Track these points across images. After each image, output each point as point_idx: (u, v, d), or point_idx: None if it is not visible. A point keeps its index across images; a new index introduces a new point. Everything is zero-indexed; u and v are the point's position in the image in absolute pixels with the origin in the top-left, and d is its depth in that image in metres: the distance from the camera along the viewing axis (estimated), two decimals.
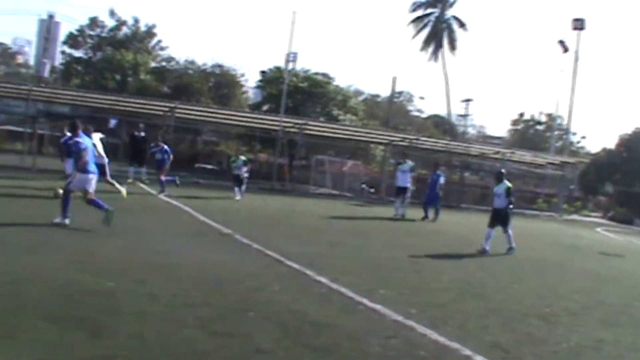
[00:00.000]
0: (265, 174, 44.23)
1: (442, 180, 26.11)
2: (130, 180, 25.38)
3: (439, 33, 72.98)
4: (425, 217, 25.19)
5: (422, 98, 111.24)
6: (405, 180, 25.33)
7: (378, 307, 8.52)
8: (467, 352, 6.94)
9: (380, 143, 49.34)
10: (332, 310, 8.17)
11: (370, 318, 8.02)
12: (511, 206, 16.95)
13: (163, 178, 23.19)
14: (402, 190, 25.25)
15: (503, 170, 17.94)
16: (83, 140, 13.86)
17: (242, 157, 27.02)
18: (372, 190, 41.91)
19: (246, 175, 26.55)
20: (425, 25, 74.08)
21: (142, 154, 26.89)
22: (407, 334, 7.39)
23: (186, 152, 54.46)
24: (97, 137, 17.53)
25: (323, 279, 9.95)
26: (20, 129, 53.71)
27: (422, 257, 14.34)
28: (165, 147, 24.28)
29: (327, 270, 10.77)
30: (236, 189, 26.04)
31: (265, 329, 6.97)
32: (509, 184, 16.98)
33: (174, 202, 20.59)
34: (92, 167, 13.83)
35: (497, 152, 47.33)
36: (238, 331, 6.80)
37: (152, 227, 14.58)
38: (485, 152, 48.55)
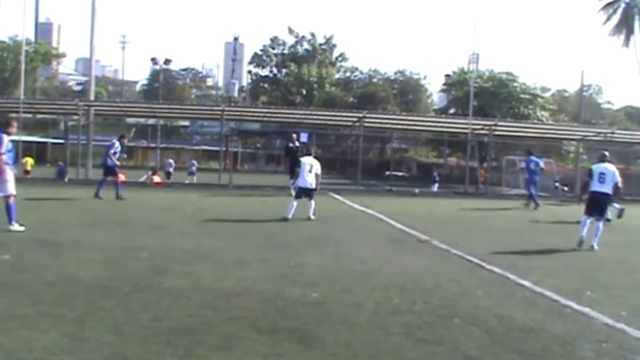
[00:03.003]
0: (456, 178, 43.93)
1: (531, 165, 27.00)
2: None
3: (629, 18, 69.78)
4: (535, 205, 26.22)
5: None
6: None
7: (586, 310, 8.26)
8: None
9: (573, 139, 47.84)
10: (539, 314, 8.00)
11: (578, 321, 7.78)
12: None
13: None
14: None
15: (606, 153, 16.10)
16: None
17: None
18: (566, 188, 40.68)
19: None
20: (614, 11, 71.05)
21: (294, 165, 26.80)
22: (620, 338, 7.11)
23: (376, 160, 54.96)
24: None
25: (526, 283, 9.78)
26: (214, 148, 56.02)
27: (630, 256, 13.81)
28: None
29: (530, 272, 10.59)
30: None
31: (471, 335, 6.92)
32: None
33: (369, 211, 20.81)
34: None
35: None
36: (444, 338, 6.79)
37: (350, 237, 14.82)
38: None
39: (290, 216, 17.84)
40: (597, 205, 15.09)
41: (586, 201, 15.64)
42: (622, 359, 6.42)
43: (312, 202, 18.54)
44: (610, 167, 15.27)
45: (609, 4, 71.47)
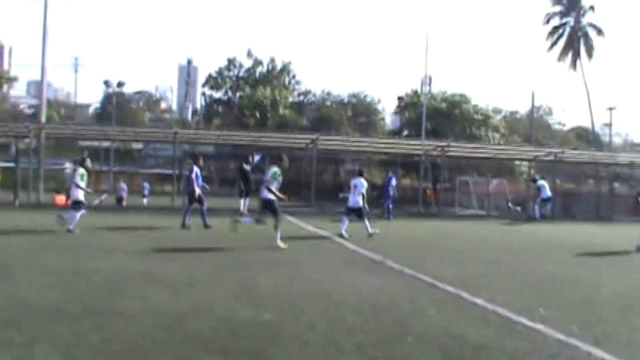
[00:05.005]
0: (411, 199, 44.15)
1: (393, 181, 30.73)
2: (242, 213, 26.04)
3: (575, 42, 71.12)
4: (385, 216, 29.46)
5: (562, 110, 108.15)
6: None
7: (538, 326, 8.33)
8: None
9: (525, 159, 48.45)
10: (491, 331, 8.04)
11: (531, 337, 7.84)
12: None
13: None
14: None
15: None
16: None
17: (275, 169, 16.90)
18: (519, 207, 41.08)
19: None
20: (560, 36, 72.41)
21: (248, 186, 27.58)
22: (571, 353, 7.19)
23: (330, 182, 54.99)
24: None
25: (479, 300, 9.83)
26: (168, 171, 55.71)
27: (580, 271, 14.02)
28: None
29: (482, 291, 10.64)
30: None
31: (425, 354, 6.94)
32: None
33: (322, 232, 20.81)
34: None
35: None
36: (397, 356, 6.80)
37: (304, 258, 14.82)
38: (634, 161, 46.74)
39: (342, 231, 19.53)
40: None
41: None
42: None
43: (365, 220, 19.93)
44: None
45: (554, 29, 72.82)
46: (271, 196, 16.43)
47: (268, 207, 16.60)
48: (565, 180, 49.43)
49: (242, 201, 27.12)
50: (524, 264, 15.21)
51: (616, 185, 49.62)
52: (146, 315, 8.16)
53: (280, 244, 16.01)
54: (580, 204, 45.47)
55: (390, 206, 30.12)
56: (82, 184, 19.15)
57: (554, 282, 12.39)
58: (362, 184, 20.37)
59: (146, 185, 46.32)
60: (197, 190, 21.38)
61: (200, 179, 21.74)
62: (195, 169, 21.78)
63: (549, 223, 31.34)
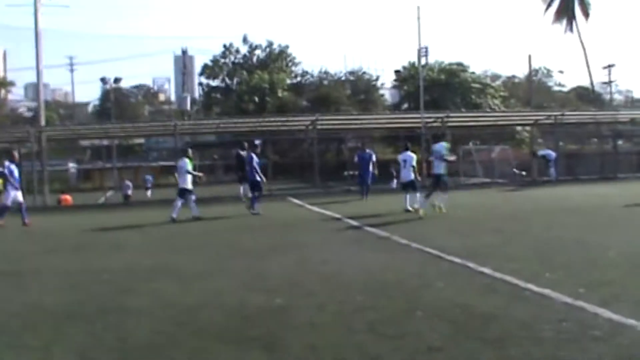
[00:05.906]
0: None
1: (374, 158, 28.26)
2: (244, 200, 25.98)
3: (570, 2, 70.42)
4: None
5: (561, 72, 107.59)
6: None
7: (545, 291, 8.36)
8: None
9: (526, 124, 48.39)
10: (499, 300, 8.09)
11: (538, 303, 7.87)
12: None
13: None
14: None
15: None
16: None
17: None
18: (524, 173, 41.08)
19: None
20: None
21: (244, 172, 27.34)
22: (579, 315, 7.21)
23: (333, 162, 54.93)
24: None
25: (486, 270, 9.87)
26: (171, 163, 55.75)
27: (587, 235, 14.00)
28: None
29: (489, 260, 10.68)
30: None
31: (434, 327, 6.98)
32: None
33: (328, 213, 20.84)
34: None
35: None
36: (408, 331, 6.84)
37: (310, 240, 14.87)
38: (635, 117, 46.59)
39: (407, 206, 20.38)
40: None
41: None
42: (581, 336, 6.51)
43: (416, 194, 20.16)
44: None
45: None
46: (442, 171, 19.37)
47: (438, 179, 19.41)
48: (568, 142, 49.30)
49: (241, 187, 27.21)
50: (530, 230, 15.27)
51: (619, 142, 49.43)
52: (157, 310, 8.23)
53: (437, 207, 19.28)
54: (584, 164, 45.33)
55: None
56: (191, 171, 21.13)
57: (560, 247, 12.42)
58: (411, 157, 20.95)
59: (149, 178, 46.71)
60: (258, 177, 22.03)
61: (258, 166, 22.19)
62: (254, 156, 22.29)
63: (554, 186, 31.42)
